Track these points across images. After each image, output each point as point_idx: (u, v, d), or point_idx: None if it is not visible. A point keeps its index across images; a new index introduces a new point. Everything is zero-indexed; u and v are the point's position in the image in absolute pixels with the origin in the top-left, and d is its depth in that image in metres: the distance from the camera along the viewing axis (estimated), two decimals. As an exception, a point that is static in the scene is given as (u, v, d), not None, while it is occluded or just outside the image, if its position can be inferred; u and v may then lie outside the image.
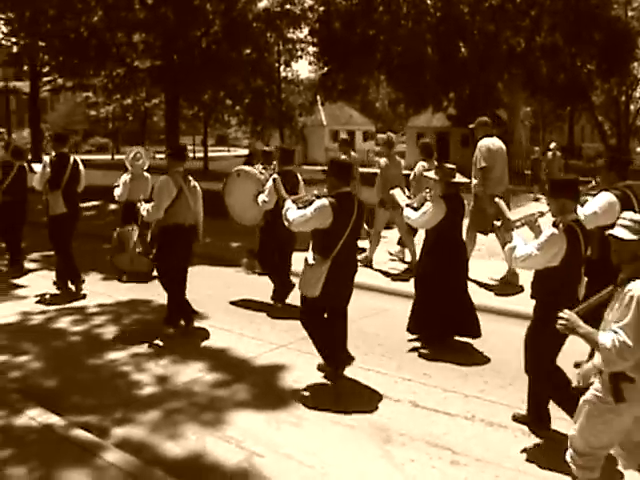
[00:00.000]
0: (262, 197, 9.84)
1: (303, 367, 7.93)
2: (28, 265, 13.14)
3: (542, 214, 6.53)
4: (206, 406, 6.86)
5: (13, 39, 34.47)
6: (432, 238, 8.64)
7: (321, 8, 35.07)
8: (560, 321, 4.61)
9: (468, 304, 8.72)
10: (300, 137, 56.22)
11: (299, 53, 34.42)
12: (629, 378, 4.46)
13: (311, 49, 36.44)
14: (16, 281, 12.04)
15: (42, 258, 12.14)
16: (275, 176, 9.11)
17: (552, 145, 27.12)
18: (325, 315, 7.51)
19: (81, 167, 11.41)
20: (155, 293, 10.01)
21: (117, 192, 11.48)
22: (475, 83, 36.41)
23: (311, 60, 38.63)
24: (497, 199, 7.55)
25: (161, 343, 8.77)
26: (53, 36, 26.25)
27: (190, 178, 9.40)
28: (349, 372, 7.67)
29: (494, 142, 11.67)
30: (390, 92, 57.73)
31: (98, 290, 11.50)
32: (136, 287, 10.22)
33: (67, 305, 10.55)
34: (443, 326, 8.55)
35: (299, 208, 7.35)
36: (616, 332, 4.36)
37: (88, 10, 25.84)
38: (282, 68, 36.70)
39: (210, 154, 50.08)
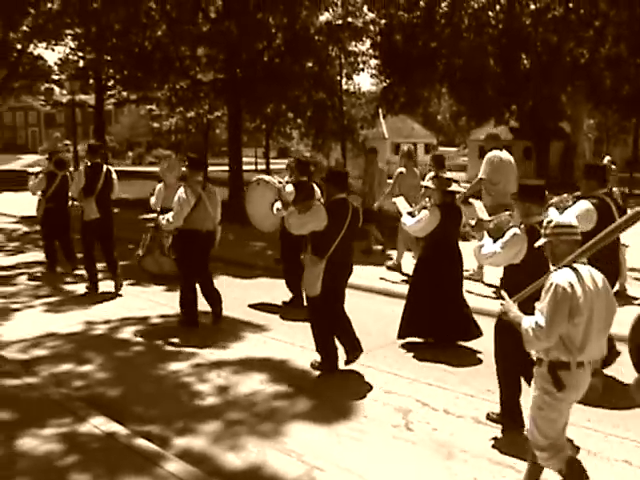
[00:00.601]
0: (277, 205, 10.22)
1: (364, 380, 7.92)
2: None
3: (512, 215, 7.03)
4: (267, 418, 6.86)
5: (80, 54, 35.28)
6: (428, 246, 9.06)
7: (383, 21, 34.98)
8: (500, 306, 5.17)
9: (461, 309, 9.03)
10: (362, 150, 56.34)
11: (361, 66, 34.28)
12: (565, 365, 4.74)
13: (373, 62, 36.34)
14: (80, 290, 12.24)
15: (103, 268, 12.34)
16: (285, 186, 10.35)
17: (606, 159, 26.61)
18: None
19: (114, 176, 12.16)
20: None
21: (152, 201, 12.08)
22: (538, 95, 35.98)
23: (373, 73, 38.51)
24: (472, 199, 7.76)
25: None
26: (118, 50, 26.70)
27: (210, 185, 9.94)
28: (412, 388, 7.63)
29: (501, 156, 11.87)
30: (452, 105, 57.45)
31: (160, 301, 11.64)
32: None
33: (130, 315, 10.70)
34: (435, 331, 9.00)
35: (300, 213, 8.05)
36: (534, 315, 4.75)
37: (153, 24, 26.26)
38: (344, 81, 36.60)
39: (272, 166, 50.42)
